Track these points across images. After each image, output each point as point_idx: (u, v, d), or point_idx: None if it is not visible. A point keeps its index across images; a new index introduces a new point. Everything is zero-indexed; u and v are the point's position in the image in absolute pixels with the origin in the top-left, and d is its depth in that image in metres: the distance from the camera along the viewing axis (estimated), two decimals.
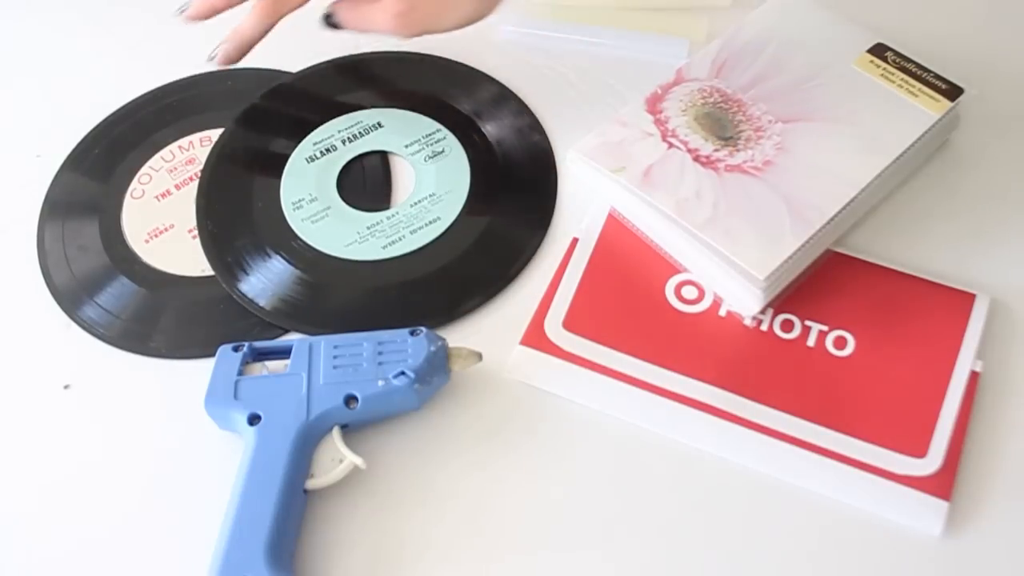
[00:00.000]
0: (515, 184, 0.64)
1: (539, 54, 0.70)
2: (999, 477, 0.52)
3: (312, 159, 0.65)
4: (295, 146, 0.66)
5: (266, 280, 0.60)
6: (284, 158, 0.65)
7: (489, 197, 0.63)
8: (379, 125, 0.67)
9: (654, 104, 0.61)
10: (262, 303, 0.59)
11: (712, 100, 0.61)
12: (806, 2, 0.65)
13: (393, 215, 0.62)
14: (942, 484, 0.51)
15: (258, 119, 0.68)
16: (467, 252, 0.61)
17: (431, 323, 0.56)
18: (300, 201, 0.63)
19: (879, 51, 0.62)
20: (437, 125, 0.66)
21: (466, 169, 0.64)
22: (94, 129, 0.68)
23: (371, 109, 0.67)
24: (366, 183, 0.65)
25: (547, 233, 0.62)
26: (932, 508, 0.50)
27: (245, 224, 0.63)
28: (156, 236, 0.63)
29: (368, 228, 0.62)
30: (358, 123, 0.67)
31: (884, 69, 0.61)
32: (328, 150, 0.65)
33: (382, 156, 0.66)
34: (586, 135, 0.60)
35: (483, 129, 0.66)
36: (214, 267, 0.61)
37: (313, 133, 0.66)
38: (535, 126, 0.66)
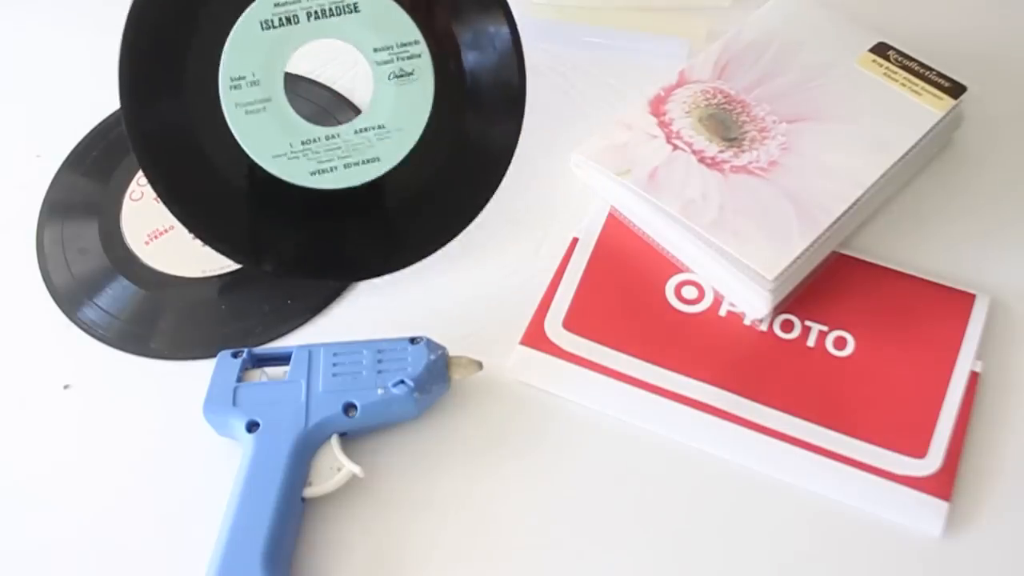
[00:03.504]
0: (473, 138, 0.58)
1: (539, 54, 0.70)
2: (999, 477, 0.52)
3: (268, 25, 0.55)
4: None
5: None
6: (235, 14, 0.55)
7: (439, 147, 0.56)
8: (355, 8, 0.56)
9: (657, 106, 0.61)
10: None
11: (716, 101, 0.61)
12: (808, 2, 0.65)
13: (333, 136, 0.56)
14: (942, 484, 0.51)
15: None
16: (399, 208, 0.55)
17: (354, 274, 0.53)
18: (239, 80, 0.54)
19: (881, 50, 0.62)
20: (417, 34, 0.57)
21: (428, 105, 0.57)
22: (93, 130, 0.68)
23: None
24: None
25: (489, 199, 0.57)
26: (932, 508, 0.50)
27: (172, 94, 0.55)
28: (156, 238, 0.63)
29: (303, 143, 0.55)
30: None
31: (887, 68, 0.61)
32: (288, 20, 0.55)
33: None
34: (588, 136, 0.60)
35: (463, 59, 0.58)
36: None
37: None
38: (518, 68, 0.60)
